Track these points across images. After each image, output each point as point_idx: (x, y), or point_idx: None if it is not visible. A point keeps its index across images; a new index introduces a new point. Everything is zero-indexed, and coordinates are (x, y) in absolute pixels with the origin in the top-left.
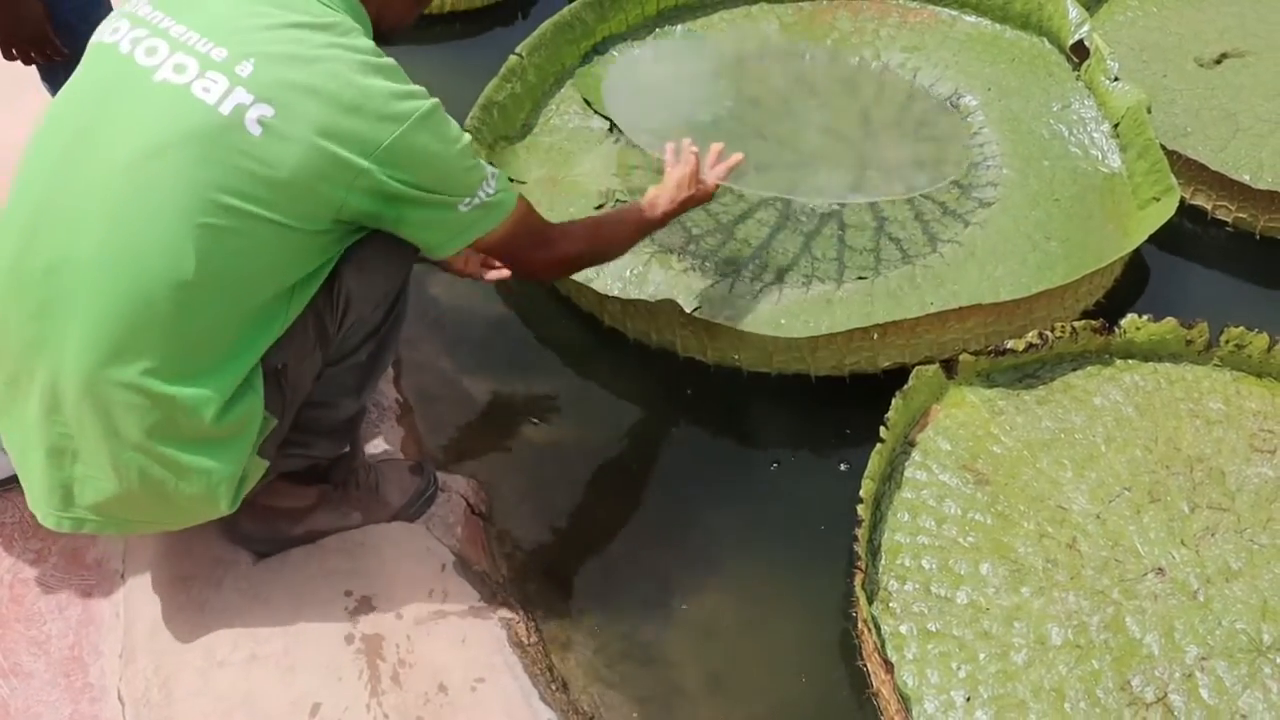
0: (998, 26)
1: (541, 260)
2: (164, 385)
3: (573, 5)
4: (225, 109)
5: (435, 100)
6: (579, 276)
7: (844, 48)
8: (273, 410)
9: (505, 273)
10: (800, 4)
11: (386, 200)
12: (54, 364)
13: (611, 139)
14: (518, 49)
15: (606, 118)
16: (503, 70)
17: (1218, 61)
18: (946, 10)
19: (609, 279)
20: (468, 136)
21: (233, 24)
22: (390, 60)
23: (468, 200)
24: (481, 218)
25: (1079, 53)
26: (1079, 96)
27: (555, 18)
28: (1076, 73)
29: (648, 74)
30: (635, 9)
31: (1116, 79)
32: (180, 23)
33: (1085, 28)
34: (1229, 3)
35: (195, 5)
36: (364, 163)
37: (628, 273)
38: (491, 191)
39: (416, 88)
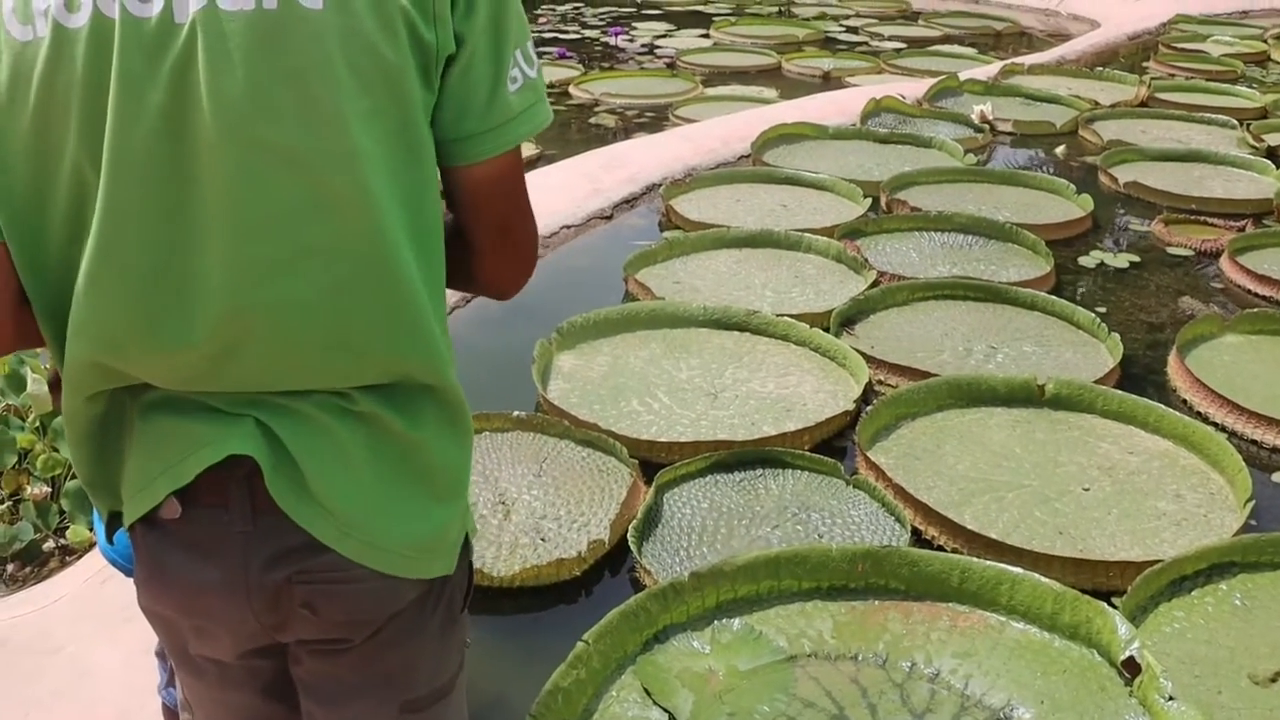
0: (1046, 635)
1: (529, 225)
2: None
3: (639, 595)
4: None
5: None
6: None
7: (895, 651)
8: None
9: None
10: (853, 603)
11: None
12: None
13: None
14: (585, 636)
15: (666, 709)
16: (570, 657)
17: (1273, 680)
18: (995, 615)
19: None
20: None
21: None
22: None
23: (516, 64)
24: (527, 108)
25: (1130, 668)
26: (1134, 715)
27: (622, 607)
28: (1129, 688)
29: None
30: (696, 601)
31: (1172, 698)
32: None
33: (1135, 644)
34: (1277, 616)
35: None
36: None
37: None
38: (533, 72)
39: None
